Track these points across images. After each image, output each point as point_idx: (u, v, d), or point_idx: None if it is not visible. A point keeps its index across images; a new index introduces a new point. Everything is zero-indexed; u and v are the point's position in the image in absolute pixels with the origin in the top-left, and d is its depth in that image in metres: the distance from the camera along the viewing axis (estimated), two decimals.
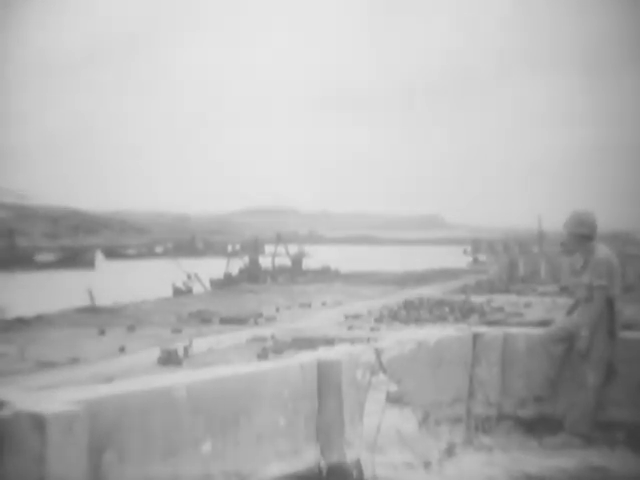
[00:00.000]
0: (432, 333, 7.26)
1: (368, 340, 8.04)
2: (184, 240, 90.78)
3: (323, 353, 5.72)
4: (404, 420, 6.29)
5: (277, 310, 18.39)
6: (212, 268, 36.68)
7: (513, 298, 21.40)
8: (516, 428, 7.09)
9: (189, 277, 30.97)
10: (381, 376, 6.10)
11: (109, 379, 8.11)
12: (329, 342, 11.14)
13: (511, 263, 33.73)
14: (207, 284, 32.24)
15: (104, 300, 20.07)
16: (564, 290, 22.35)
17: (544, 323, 10.41)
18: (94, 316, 17.14)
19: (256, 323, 15.66)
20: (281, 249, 38.40)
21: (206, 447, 4.38)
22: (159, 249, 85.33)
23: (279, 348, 11.61)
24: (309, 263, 40.40)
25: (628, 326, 7.71)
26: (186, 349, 11.15)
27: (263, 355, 10.86)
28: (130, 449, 3.93)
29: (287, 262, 38.31)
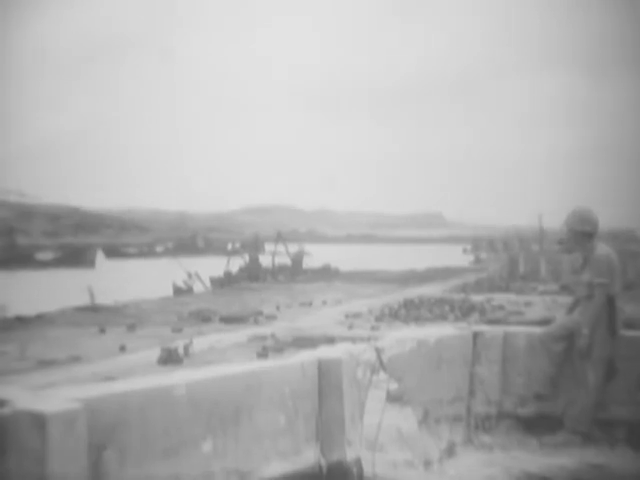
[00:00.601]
0: (432, 332, 7.26)
1: (369, 339, 8.04)
2: (184, 239, 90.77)
3: (324, 352, 5.72)
4: (404, 419, 6.30)
5: (277, 309, 18.39)
6: (212, 267, 36.66)
7: (513, 297, 21.39)
8: (516, 427, 7.10)
9: (189, 276, 30.92)
10: (381, 375, 6.10)
11: (109, 378, 8.11)
12: (330, 341, 11.16)
13: (511, 261, 33.75)
14: (207, 283, 32.22)
15: (104, 299, 20.07)
16: (564, 288, 22.34)
17: (544, 321, 10.41)
18: (94, 315, 17.14)
19: (256, 322, 15.66)
20: (281, 247, 38.36)
21: (206, 446, 4.39)
22: (159, 248, 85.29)
23: (279, 347, 11.61)
24: (309, 262, 40.37)
25: (629, 324, 7.71)
26: (186, 348, 11.15)
27: (263, 354, 10.86)
28: (130, 447, 3.93)
29: (287, 261, 38.27)
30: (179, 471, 4.19)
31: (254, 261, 36.25)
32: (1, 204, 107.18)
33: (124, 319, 15.95)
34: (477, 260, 59.50)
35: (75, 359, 10.86)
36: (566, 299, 13.17)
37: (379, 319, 15.63)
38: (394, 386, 6.21)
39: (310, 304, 19.66)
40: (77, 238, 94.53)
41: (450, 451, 6.61)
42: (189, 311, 17.42)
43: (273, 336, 12.90)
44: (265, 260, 37.25)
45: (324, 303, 20.01)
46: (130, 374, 8.59)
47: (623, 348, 6.99)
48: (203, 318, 16.09)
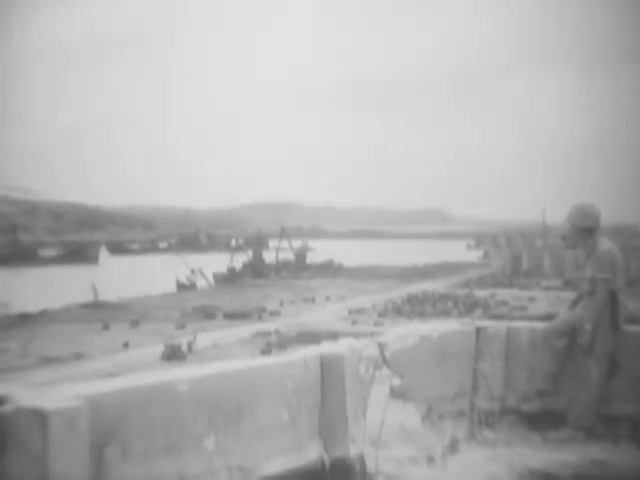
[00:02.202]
0: (436, 327, 7.25)
1: (372, 334, 8.03)
2: (188, 235, 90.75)
3: (326, 347, 5.71)
4: (407, 415, 6.29)
5: (281, 305, 18.38)
6: (216, 263, 36.66)
7: (517, 292, 21.37)
8: (519, 422, 7.09)
9: (193, 272, 30.91)
10: (384, 370, 6.09)
11: (113, 374, 8.11)
12: (333, 336, 11.12)
13: (515, 257, 33.70)
14: (211, 279, 32.22)
15: (108, 295, 20.09)
16: (568, 284, 22.30)
17: (547, 317, 10.38)
18: (98, 311, 17.14)
19: (260, 318, 15.64)
20: (285, 243, 38.31)
21: (209, 442, 4.38)
22: (163, 244, 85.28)
23: (283, 343, 11.60)
24: (313, 257, 40.32)
25: (631, 319, 7.69)
26: (190, 344, 11.14)
27: (267, 350, 10.85)
28: (132, 444, 3.92)
29: (291, 256, 38.23)
30: (181, 468, 4.19)
31: (257, 257, 36.21)
32: (5, 201, 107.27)
33: (127, 315, 15.94)
34: (486, 255, 59.30)
35: (78, 356, 10.85)
36: (569, 294, 13.17)
37: (383, 315, 15.61)
38: (397, 382, 6.20)
39: (313, 300, 19.64)
40: (80, 235, 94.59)
41: (453, 447, 6.61)
42: (192, 307, 17.40)
43: (277, 332, 12.89)
44: (269, 256, 37.23)
45: (327, 299, 19.98)
46: (133, 370, 8.57)
47: (626, 344, 6.98)
48: (206, 314, 16.07)
